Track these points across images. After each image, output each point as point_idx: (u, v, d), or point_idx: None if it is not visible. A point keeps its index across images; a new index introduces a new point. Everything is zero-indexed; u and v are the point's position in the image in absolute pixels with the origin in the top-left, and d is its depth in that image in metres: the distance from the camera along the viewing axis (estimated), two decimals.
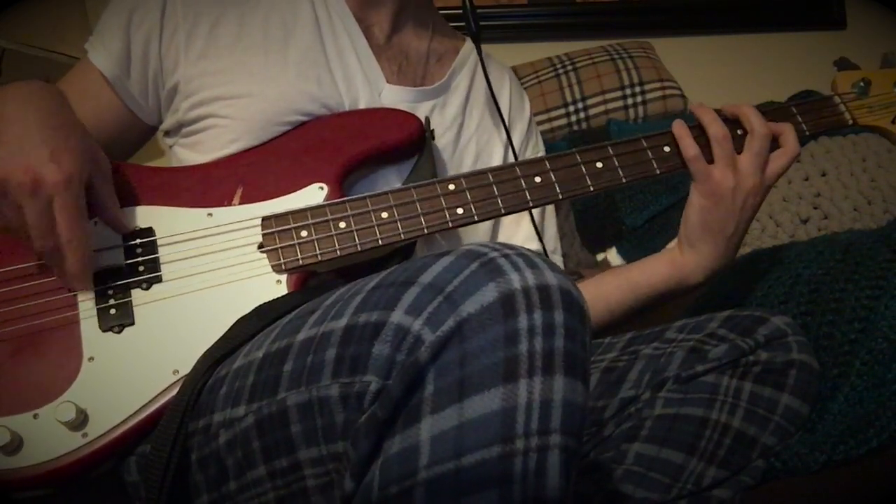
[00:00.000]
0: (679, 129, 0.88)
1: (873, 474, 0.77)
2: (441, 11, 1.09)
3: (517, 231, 1.05)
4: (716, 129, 0.86)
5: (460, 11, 1.00)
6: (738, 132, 0.89)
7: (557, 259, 1.08)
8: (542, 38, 1.98)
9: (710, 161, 0.87)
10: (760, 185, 0.86)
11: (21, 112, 0.73)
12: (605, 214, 1.54)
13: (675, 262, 0.91)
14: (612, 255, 1.53)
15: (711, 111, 0.88)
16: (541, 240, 1.04)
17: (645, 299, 0.93)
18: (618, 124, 1.67)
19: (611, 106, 1.71)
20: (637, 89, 1.72)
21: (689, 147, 0.87)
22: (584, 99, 1.71)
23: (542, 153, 1.12)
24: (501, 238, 1.05)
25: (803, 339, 0.82)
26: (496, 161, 1.03)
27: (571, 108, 1.71)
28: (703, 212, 0.87)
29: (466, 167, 0.99)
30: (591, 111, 1.71)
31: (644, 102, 1.71)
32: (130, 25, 0.88)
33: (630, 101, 1.71)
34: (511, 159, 1.02)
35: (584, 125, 1.71)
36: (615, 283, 0.95)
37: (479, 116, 1.03)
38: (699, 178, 0.87)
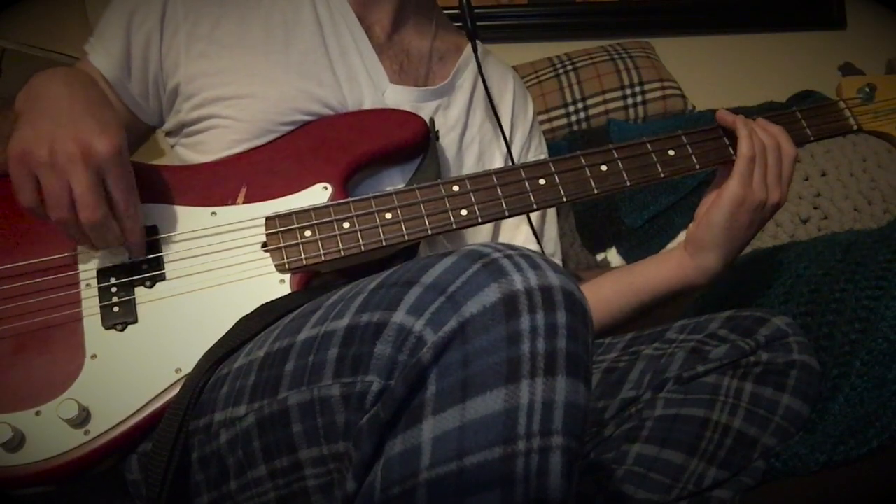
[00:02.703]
0: (741, 126, 0.87)
1: (873, 474, 0.77)
2: None
3: (517, 233, 1.05)
4: (761, 140, 0.86)
5: (458, 11, 0.99)
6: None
7: (556, 262, 1.07)
8: (542, 38, 1.98)
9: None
10: (782, 200, 0.87)
11: (67, 91, 0.75)
12: (605, 214, 1.54)
13: (683, 266, 0.90)
14: (612, 255, 1.53)
15: (748, 121, 0.88)
16: (539, 243, 1.03)
17: (649, 302, 0.93)
18: (618, 124, 1.67)
19: (611, 106, 1.71)
20: (637, 89, 1.72)
21: (749, 147, 0.86)
22: (584, 99, 1.72)
23: (544, 155, 1.11)
24: (502, 240, 1.05)
25: (804, 340, 0.82)
26: (498, 161, 1.03)
27: (571, 108, 1.71)
28: (731, 217, 0.86)
29: (468, 167, 0.99)
30: (591, 111, 1.71)
31: (644, 102, 1.72)
32: (131, 27, 0.88)
33: (630, 101, 1.71)
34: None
35: (584, 125, 1.71)
36: (615, 286, 0.94)
37: (481, 117, 1.02)
38: (743, 181, 0.85)
